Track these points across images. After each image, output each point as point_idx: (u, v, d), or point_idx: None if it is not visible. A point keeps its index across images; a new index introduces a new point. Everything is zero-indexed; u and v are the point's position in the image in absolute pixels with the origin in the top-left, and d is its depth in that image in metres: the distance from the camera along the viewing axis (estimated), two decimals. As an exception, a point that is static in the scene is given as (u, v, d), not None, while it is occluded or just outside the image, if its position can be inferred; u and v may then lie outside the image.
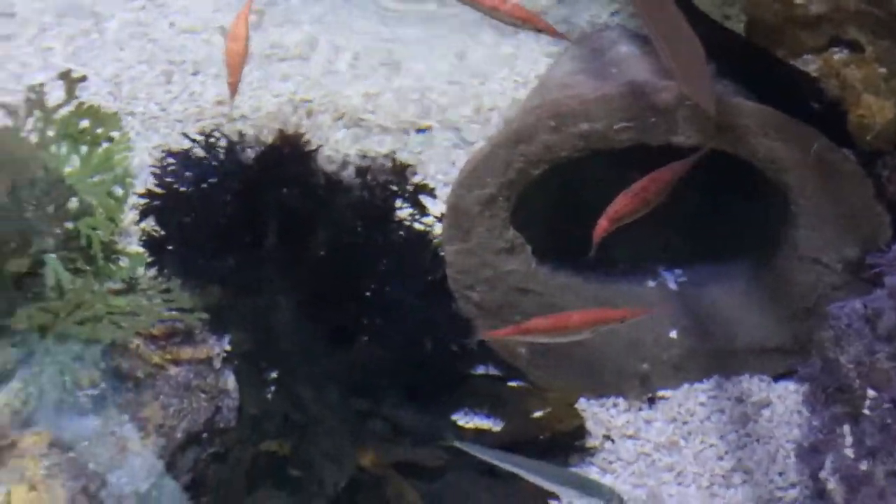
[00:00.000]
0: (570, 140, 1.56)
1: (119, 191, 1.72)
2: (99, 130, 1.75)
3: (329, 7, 2.39)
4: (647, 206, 1.45)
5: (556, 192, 1.73)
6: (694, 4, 1.63)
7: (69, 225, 1.65)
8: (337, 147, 2.02)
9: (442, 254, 1.71)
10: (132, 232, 1.82)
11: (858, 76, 1.49)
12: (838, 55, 1.51)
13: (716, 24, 1.63)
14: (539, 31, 1.64)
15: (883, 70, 1.48)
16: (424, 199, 1.71)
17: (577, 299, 1.73)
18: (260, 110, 2.14)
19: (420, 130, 2.13)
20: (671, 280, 1.83)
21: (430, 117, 2.14)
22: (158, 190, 1.69)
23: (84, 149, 1.74)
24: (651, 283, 1.83)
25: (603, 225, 1.43)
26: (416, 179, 1.71)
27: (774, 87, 1.61)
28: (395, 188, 1.70)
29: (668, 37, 1.48)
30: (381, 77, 2.23)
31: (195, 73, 2.25)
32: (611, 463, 1.66)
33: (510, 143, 1.59)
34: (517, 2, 1.59)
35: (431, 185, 1.72)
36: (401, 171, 1.70)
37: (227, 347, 1.73)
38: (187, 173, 1.68)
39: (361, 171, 1.70)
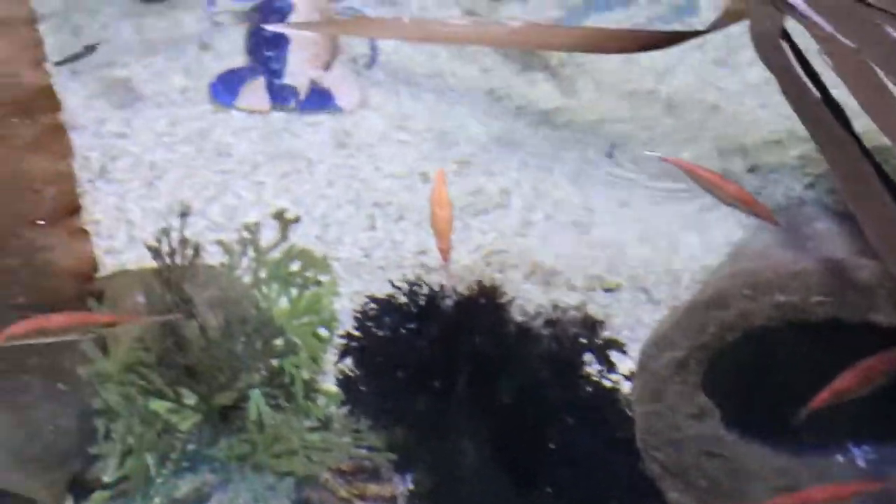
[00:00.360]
0: (765, 309, 1.55)
1: (324, 333, 1.80)
2: (309, 274, 1.83)
3: (527, 163, 2.45)
4: (870, 385, 1.43)
5: (747, 359, 1.72)
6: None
7: (274, 362, 1.74)
8: (528, 298, 2.05)
9: (629, 412, 1.71)
10: (328, 370, 1.88)
11: None
12: None
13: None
14: (755, 215, 1.65)
15: None
16: (613, 355, 1.72)
17: (764, 468, 1.69)
18: (457, 261, 2.19)
19: (608, 290, 2.16)
20: (860, 457, 1.77)
21: (619, 276, 2.16)
22: (358, 333, 1.77)
23: (294, 291, 1.82)
24: (839, 458, 1.78)
25: (823, 397, 1.42)
26: (606, 334, 1.72)
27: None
28: (584, 341, 1.72)
29: (871, 214, 1.48)
30: (572, 234, 2.27)
31: (398, 220, 2.33)
32: None
33: (705, 308, 1.59)
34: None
35: (621, 340, 1.74)
36: (591, 325, 1.73)
37: (411, 487, 1.77)
38: (387, 318, 1.75)
39: (552, 323, 1.73)
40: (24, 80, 2.27)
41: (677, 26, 2.83)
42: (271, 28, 2.68)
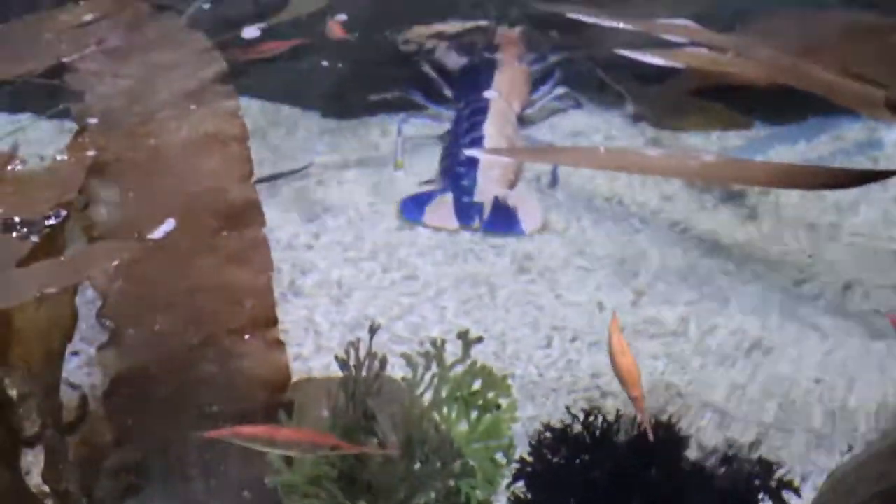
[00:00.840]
0: None
1: (502, 458, 1.82)
2: (490, 395, 1.84)
3: (705, 293, 2.45)
4: None
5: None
6: None
7: (451, 482, 1.74)
8: (701, 433, 2.04)
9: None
10: (501, 490, 1.87)
11: None
12: None
13: None
14: None
15: None
16: (787, 496, 1.68)
17: None
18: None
19: (780, 430, 2.12)
20: None
21: (792, 414, 2.12)
22: (532, 459, 1.79)
23: (474, 413, 1.84)
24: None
25: None
26: (780, 475, 1.69)
27: None
28: (758, 482, 1.70)
29: None
30: (747, 365, 2.25)
31: (573, 340, 2.33)
32: None
33: (888, 456, 1.57)
34: None
35: (796, 482, 1.71)
36: (765, 465, 1.71)
37: None
38: (563, 448, 1.76)
39: (726, 461, 1.72)
40: (233, 195, 2.41)
41: (861, 160, 2.84)
42: (469, 153, 2.77)
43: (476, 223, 2.67)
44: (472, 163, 2.78)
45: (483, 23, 3.31)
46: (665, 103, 3.02)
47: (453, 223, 2.68)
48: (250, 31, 3.27)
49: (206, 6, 3.34)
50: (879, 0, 3.23)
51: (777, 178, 2.51)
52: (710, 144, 2.93)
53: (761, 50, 2.80)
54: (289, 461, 1.79)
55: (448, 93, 3.10)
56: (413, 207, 2.73)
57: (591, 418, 1.78)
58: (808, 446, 2.06)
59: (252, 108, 3.07)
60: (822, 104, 2.71)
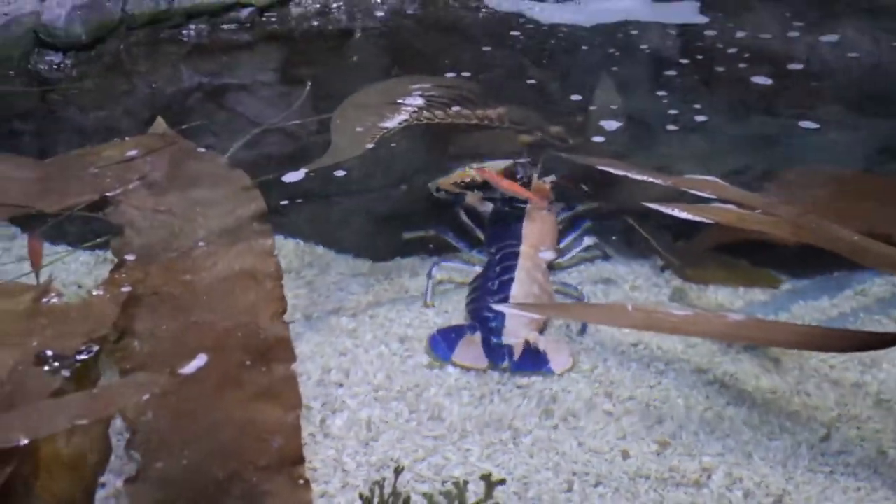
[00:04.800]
0: None
1: None
2: None
3: (729, 444, 2.44)
4: None
5: None
6: None
7: None
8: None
9: None
10: None
11: None
12: None
13: None
14: None
15: None
16: None
17: None
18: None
19: None
20: None
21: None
22: None
23: None
24: None
25: None
26: None
27: None
28: None
29: None
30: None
31: (596, 485, 2.32)
32: None
33: None
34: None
35: None
36: None
37: None
38: None
39: None
40: (264, 331, 2.48)
41: (882, 318, 2.86)
42: (497, 307, 2.78)
43: (506, 363, 2.68)
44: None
45: (520, 161, 3.38)
46: (691, 257, 3.05)
47: (483, 363, 2.69)
48: (292, 175, 3.37)
49: (250, 147, 3.46)
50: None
51: (803, 341, 2.52)
52: (735, 299, 2.96)
53: (788, 209, 2.84)
54: None
55: (480, 236, 3.17)
56: (442, 344, 2.75)
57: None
58: None
59: (287, 247, 3.14)
60: (847, 261, 2.72)
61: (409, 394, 2.61)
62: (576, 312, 2.86)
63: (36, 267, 2.61)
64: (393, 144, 3.48)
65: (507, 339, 2.73)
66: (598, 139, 3.66)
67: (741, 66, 4.16)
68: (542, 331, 2.80)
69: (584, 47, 4.24)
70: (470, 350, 2.73)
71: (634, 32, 4.38)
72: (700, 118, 3.76)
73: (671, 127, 3.69)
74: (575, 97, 3.92)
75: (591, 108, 3.76)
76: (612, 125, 3.70)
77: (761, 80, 4.01)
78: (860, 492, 2.32)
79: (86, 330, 2.31)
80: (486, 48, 4.19)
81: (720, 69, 4.13)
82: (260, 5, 4.28)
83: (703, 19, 4.60)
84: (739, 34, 4.47)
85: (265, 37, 4.26)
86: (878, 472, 2.36)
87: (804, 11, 4.84)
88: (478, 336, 2.75)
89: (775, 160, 3.41)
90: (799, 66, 4.09)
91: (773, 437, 2.48)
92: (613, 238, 3.13)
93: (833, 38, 4.30)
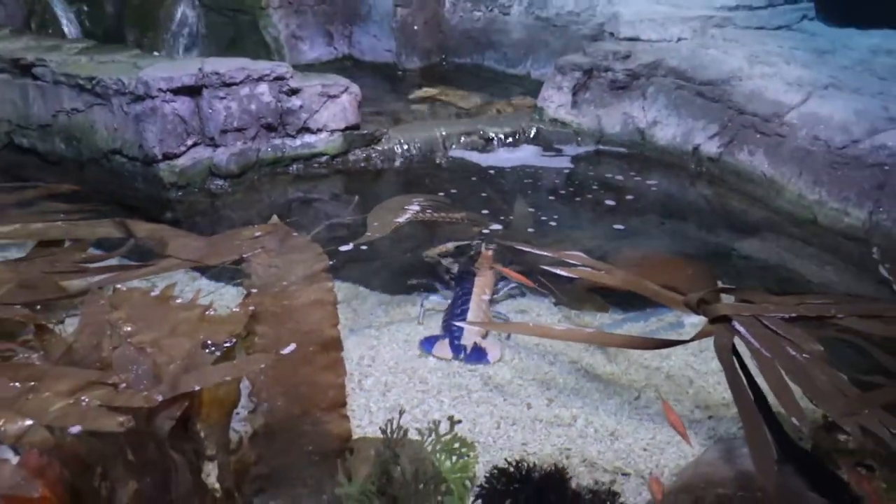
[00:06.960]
0: (711, 499, 1.58)
1: (468, 484, 1.87)
2: (463, 450, 1.92)
3: (589, 402, 2.44)
4: None
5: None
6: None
7: (439, 498, 1.78)
8: None
9: None
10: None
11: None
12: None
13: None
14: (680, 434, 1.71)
15: None
16: None
17: None
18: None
19: None
20: None
21: None
22: (487, 485, 1.83)
23: (453, 458, 1.90)
24: None
25: None
26: None
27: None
28: None
29: (758, 451, 1.57)
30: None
31: (513, 424, 2.30)
32: None
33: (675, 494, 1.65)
34: None
35: None
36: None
37: None
38: (503, 479, 1.82)
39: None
40: (325, 334, 2.45)
41: (670, 333, 2.87)
42: (458, 324, 2.79)
43: (462, 356, 2.68)
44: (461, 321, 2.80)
45: (473, 243, 3.33)
46: (571, 295, 3.03)
47: (450, 355, 2.69)
48: (345, 247, 3.33)
49: (324, 230, 3.39)
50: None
51: (628, 343, 2.58)
52: (594, 320, 2.96)
53: (620, 271, 2.87)
54: (348, 478, 1.82)
55: (451, 282, 3.13)
56: (427, 345, 2.74)
57: (518, 463, 1.86)
58: None
59: (341, 287, 3.07)
60: (652, 301, 2.76)
61: (408, 370, 2.61)
62: (504, 327, 2.87)
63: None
64: (403, 231, 3.46)
65: (464, 342, 2.72)
66: (517, 230, 3.59)
67: (596, 193, 4.10)
68: (484, 337, 2.78)
69: (502, 180, 4.20)
70: (443, 348, 2.71)
71: (531, 171, 4.33)
72: (572, 221, 3.74)
73: (553, 224, 3.66)
74: (503, 206, 3.85)
75: (511, 217, 3.70)
76: (524, 224, 3.64)
77: (609, 201, 3.99)
78: (655, 427, 2.35)
79: (229, 330, 2.30)
80: (451, 179, 4.16)
81: (584, 195, 4.05)
82: (331, 154, 4.34)
83: (570, 165, 4.43)
84: (591, 173, 4.37)
85: (334, 171, 4.25)
86: (663, 415, 2.41)
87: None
88: (447, 340, 2.74)
89: (612, 245, 3.41)
90: (631, 197, 4.07)
91: (610, 397, 2.50)
92: (527, 285, 3.09)
93: (654, 181, 4.21)
